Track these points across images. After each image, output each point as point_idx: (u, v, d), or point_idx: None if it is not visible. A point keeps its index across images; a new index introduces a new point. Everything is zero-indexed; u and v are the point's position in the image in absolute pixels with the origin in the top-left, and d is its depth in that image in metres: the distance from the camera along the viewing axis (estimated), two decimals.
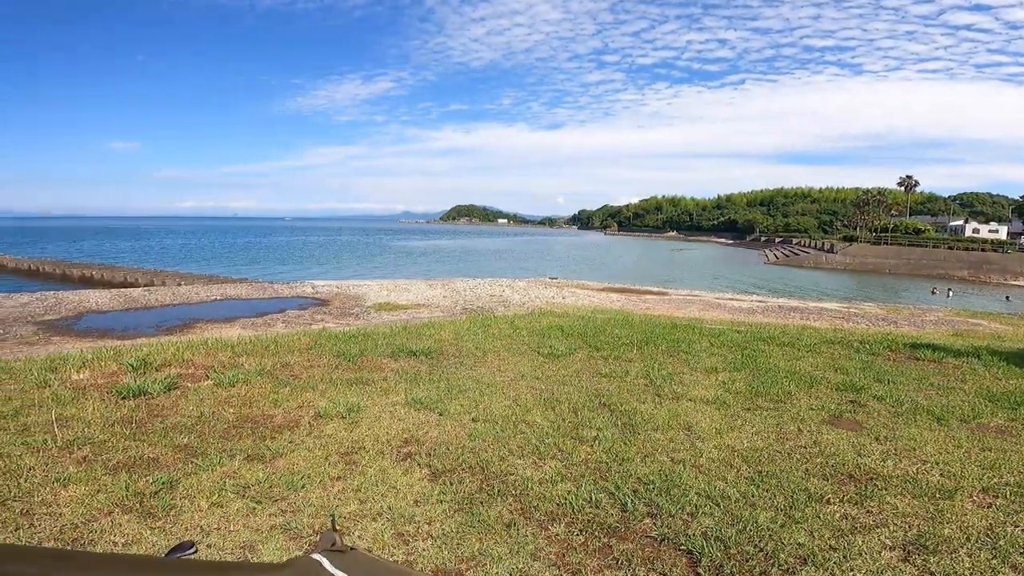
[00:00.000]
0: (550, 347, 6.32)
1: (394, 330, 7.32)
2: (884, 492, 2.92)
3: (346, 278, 16.65)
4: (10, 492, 2.60)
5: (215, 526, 2.40)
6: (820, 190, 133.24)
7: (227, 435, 3.43)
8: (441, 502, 2.76)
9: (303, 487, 2.79)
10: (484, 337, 6.92)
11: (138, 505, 2.52)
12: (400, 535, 2.45)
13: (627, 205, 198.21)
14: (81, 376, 4.53)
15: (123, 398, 4.00)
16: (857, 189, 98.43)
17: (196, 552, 0.91)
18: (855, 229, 68.41)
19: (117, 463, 2.93)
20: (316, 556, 1.50)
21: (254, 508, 2.54)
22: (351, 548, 1.76)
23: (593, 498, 2.80)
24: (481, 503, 2.76)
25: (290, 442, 3.36)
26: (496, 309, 10.12)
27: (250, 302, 10.51)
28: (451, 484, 2.95)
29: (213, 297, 10.75)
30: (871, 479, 3.08)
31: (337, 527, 1.92)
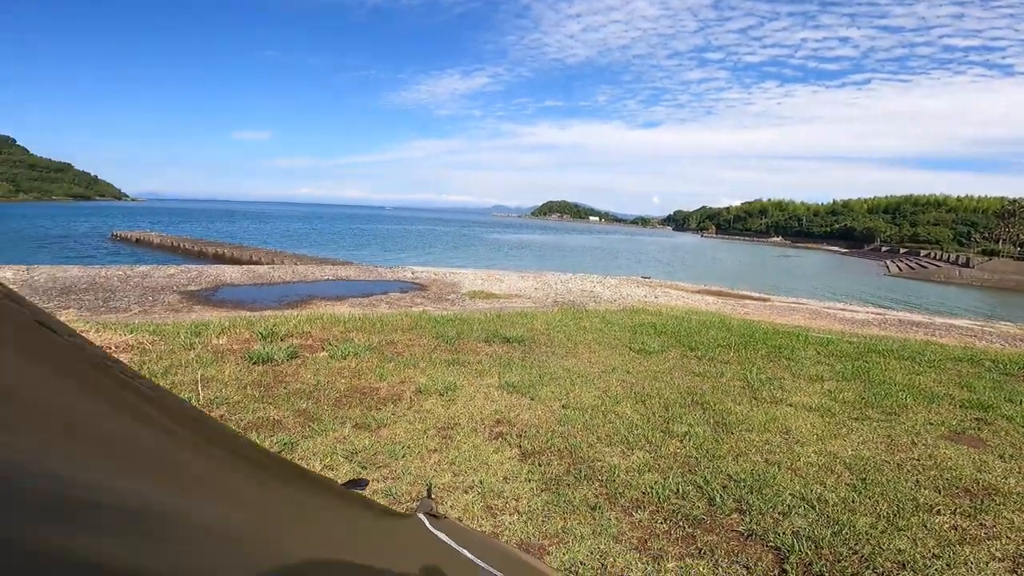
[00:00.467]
0: (642, 343, 6.22)
1: (488, 317, 7.55)
2: (1001, 507, 2.67)
3: (442, 266, 17.32)
4: None
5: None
6: (957, 199, 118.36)
7: (339, 403, 3.74)
8: (529, 481, 2.84)
9: (403, 456, 2.98)
10: (575, 329, 6.95)
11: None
12: (489, 508, 2.56)
13: (727, 207, 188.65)
14: (220, 341, 5.12)
15: (253, 363, 4.48)
16: (1002, 199, 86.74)
17: (365, 488, 1.06)
18: (997, 243, 60.38)
19: (248, 423, 3.29)
20: (420, 515, 1.65)
21: (360, 473, 2.75)
22: (444, 516, 1.90)
23: (680, 490, 2.79)
24: (567, 485, 2.82)
25: (393, 414, 3.59)
26: (587, 304, 10.09)
27: (357, 283, 11.25)
28: (539, 465, 3.03)
29: (326, 277, 11.62)
30: (989, 494, 2.82)
31: (432, 496, 2.06)
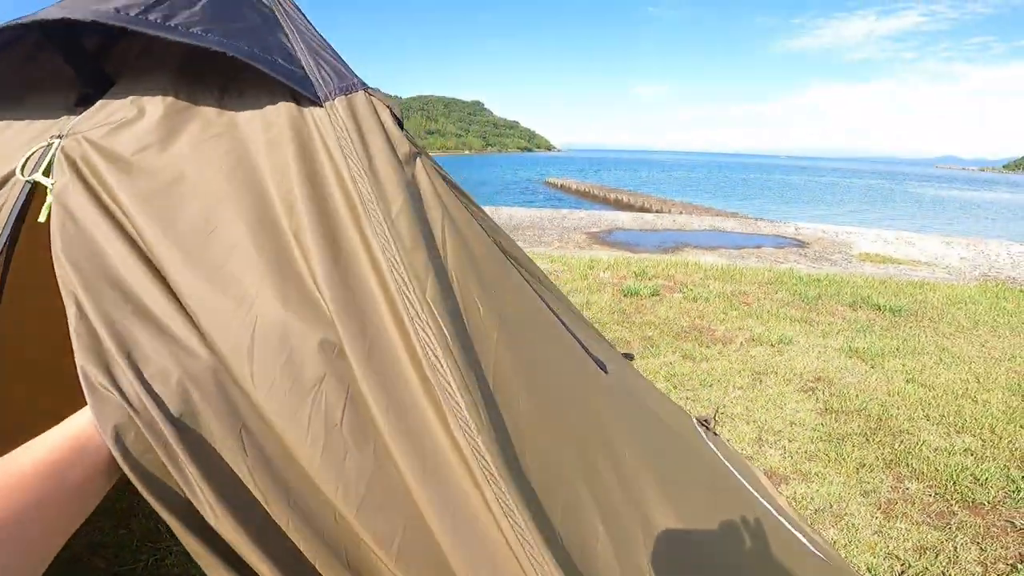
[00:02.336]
0: None
1: (869, 282, 7.00)
2: None
3: (838, 223, 15.51)
4: None
5: None
6: None
7: (678, 336, 4.66)
8: (814, 430, 3.20)
9: (711, 386, 3.71)
10: (987, 310, 5.84)
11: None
12: (759, 440, 3.07)
13: None
14: (605, 275, 6.68)
15: (624, 295, 5.80)
16: None
17: (634, 359, 1.99)
18: None
19: (609, 338, 4.54)
20: (694, 418, 2.54)
21: (670, 390, 3.62)
22: (715, 433, 2.71)
23: (985, 477, 2.71)
24: (852, 442, 3.06)
25: (719, 353, 4.30)
26: None
27: (732, 235, 11.61)
28: (835, 421, 3.31)
29: (703, 227, 12.36)
30: None
31: (716, 418, 2.77)
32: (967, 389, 3.79)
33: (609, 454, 1.13)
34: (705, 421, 2.57)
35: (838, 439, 3.11)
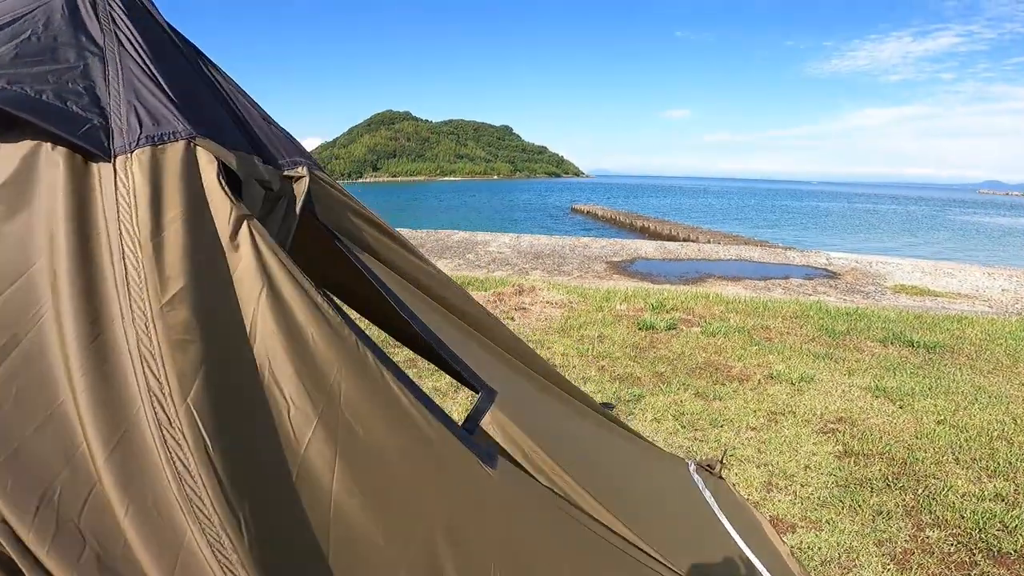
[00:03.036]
0: None
1: (902, 316, 6.79)
2: None
3: (873, 253, 15.13)
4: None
5: (645, 432, 3.48)
6: None
7: (691, 373, 4.58)
8: (830, 474, 3.09)
9: (721, 426, 3.63)
10: None
11: (613, 405, 3.88)
12: (768, 484, 2.98)
13: None
14: (621, 307, 6.64)
15: (639, 328, 5.75)
16: None
17: (614, 409, 1.95)
18: None
19: (617, 375, 4.51)
20: (689, 461, 2.45)
21: (678, 429, 3.56)
22: (721, 478, 2.61)
23: (1015, 525, 2.55)
24: (871, 488, 2.95)
25: (734, 391, 4.21)
26: None
27: (759, 265, 11.43)
28: (855, 464, 3.20)
29: (728, 257, 12.21)
30: None
31: (723, 461, 2.69)
32: (1003, 431, 3.63)
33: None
34: (709, 465, 2.50)
35: (856, 484, 3.00)
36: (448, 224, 26.10)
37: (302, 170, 1.24)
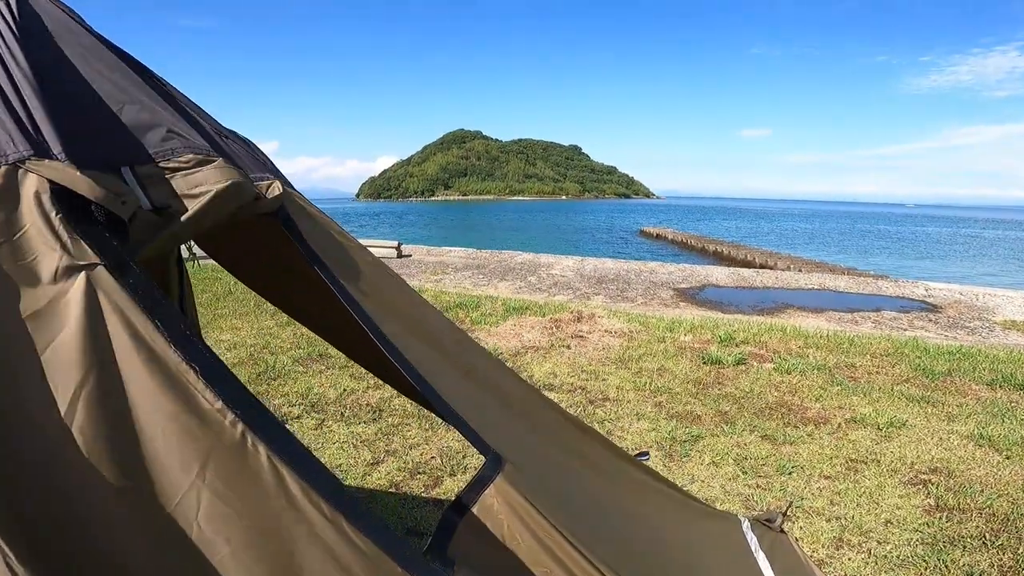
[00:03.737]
0: None
1: (1014, 355, 6.10)
2: None
3: (980, 284, 13.79)
4: (608, 415, 4.36)
5: (701, 477, 3.30)
6: None
7: (759, 414, 4.28)
8: (916, 530, 2.77)
9: (790, 473, 3.34)
10: None
11: (667, 446, 3.68)
12: (839, 541, 2.69)
13: None
14: (685, 338, 6.35)
15: (704, 362, 5.46)
16: None
17: (648, 459, 1.79)
18: None
19: (675, 412, 4.27)
20: (742, 516, 2.23)
21: (738, 475, 3.30)
22: (783, 532, 2.36)
23: None
24: (962, 548, 2.61)
25: (808, 435, 3.88)
26: None
27: (845, 295, 10.69)
28: (947, 519, 2.86)
29: (810, 286, 11.50)
30: None
31: (788, 513, 2.45)
32: None
33: None
34: (769, 519, 2.28)
35: (946, 542, 2.68)
36: (514, 245, 26.32)
37: (274, 181, 1.19)
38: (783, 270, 16.89)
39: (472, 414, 1.23)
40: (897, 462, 3.52)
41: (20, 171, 0.89)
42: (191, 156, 1.08)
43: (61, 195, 0.89)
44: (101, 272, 0.85)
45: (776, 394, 4.68)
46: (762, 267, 19.15)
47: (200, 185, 1.07)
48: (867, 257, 32.94)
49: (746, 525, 2.08)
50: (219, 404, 0.84)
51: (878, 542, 2.70)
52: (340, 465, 3.34)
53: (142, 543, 0.77)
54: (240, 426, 0.84)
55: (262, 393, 4.40)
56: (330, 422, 3.93)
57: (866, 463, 3.50)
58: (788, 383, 4.95)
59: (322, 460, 3.43)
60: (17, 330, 0.79)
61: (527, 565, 1.09)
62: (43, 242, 0.84)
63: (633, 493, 1.70)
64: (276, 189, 1.19)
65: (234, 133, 1.38)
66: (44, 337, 0.80)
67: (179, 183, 1.06)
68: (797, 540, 2.48)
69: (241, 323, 6.47)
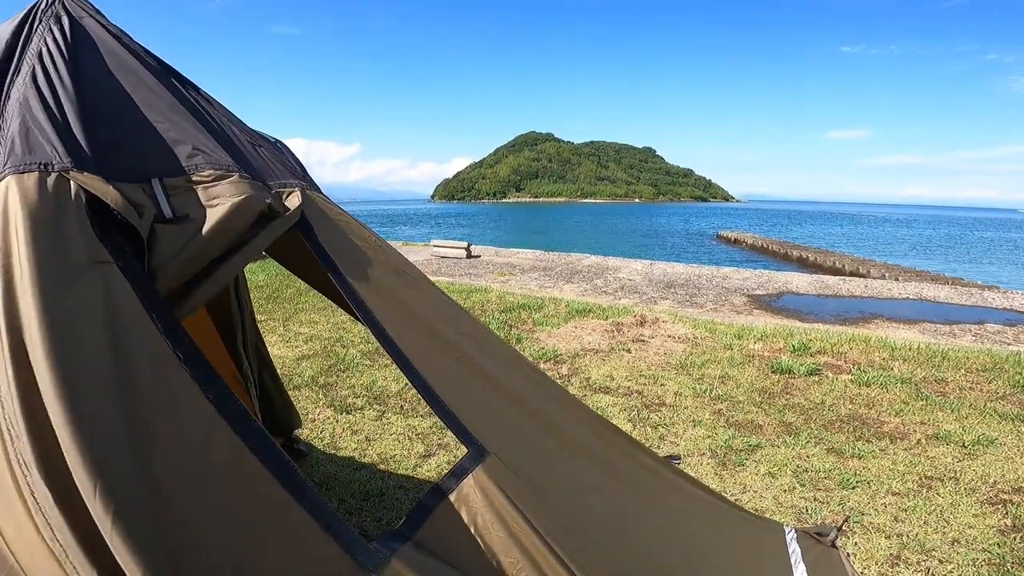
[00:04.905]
0: None
1: None
2: None
3: None
4: (662, 421, 4.33)
5: (753, 487, 3.22)
6: None
7: (829, 426, 4.12)
8: (985, 550, 2.62)
9: (854, 487, 3.22)
10: None
11: (721, 454, 3.62)
12: (896, 558, 2.58)
13: None
14: (755, 346, 6.17)
15: (773, 371, 5.30)
16: None
17: (679, 463, 1.79)
18: None
19: (735, 421, 4.19)
20: (788, 528, 2.21)
21: (795, 487, 3.21)
22: (834, 547, 2.32)
23: None
24: None
25: (882, 450, 3.71)
26: None
27: (944, 306, 9.95)
28: (1023, 542, 2.68)
29: (904, 295, 10.78)
30: None
31: (844, 528, 2.37)
32: None
33: None
34: (820, 533, 2.25)
35: (1015, 563, 2.53)
36: (582, 247, 26.20)
37: (295, 190, 1.34)
38: (876, 278, 15.88)
39: (466, 408, 1.33)
40: (977, 480, 3.32)
41: (65, 179, 1.10)
42: (211, 171, 1.28)
43: (92, 202, 1.12)
44: (114, 269, 1.06)
45: (850, 407, 4.49)
46: (852, 275, 18.06)
47: (217, 197, 1.26)
48: (973, 266, 30.18)
49: (791, 536, 2.06)
50: (195, 388, 1.07)
51: (940, 561, 2.58)
52: (394, 456, 3.53)
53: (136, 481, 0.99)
54: (211, 408, 1.08)
55: (330, 384, 4.73)
56: (390, 414, 4.17)
57: (942, 480, 3.32)
58: (865, 396, 4.72)
59: (377, 451, 3.65)
60: (56, 304, 1.02)
61: (496, 555, 1.17)
62: (76, 239, 1.06)
63: (653, 495, 1.73)
64: (295, 199, 1.36)
65: (267, 139, 1.56)
66: (76, 313, 1.03)
67: (200, 195, 1.27)
68: (849, 556, 2.42)
69: (318, 317, 6.92)
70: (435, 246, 15.50)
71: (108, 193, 1.10)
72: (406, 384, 4.71)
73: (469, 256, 14.80)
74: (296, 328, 6.42)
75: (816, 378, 5.16)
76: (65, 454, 0.91)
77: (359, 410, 4.24)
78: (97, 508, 0.88)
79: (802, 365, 5.40)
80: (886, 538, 2.75)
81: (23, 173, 1.06)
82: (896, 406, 4.50)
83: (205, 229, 1.21)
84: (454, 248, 14.97)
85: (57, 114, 1.17)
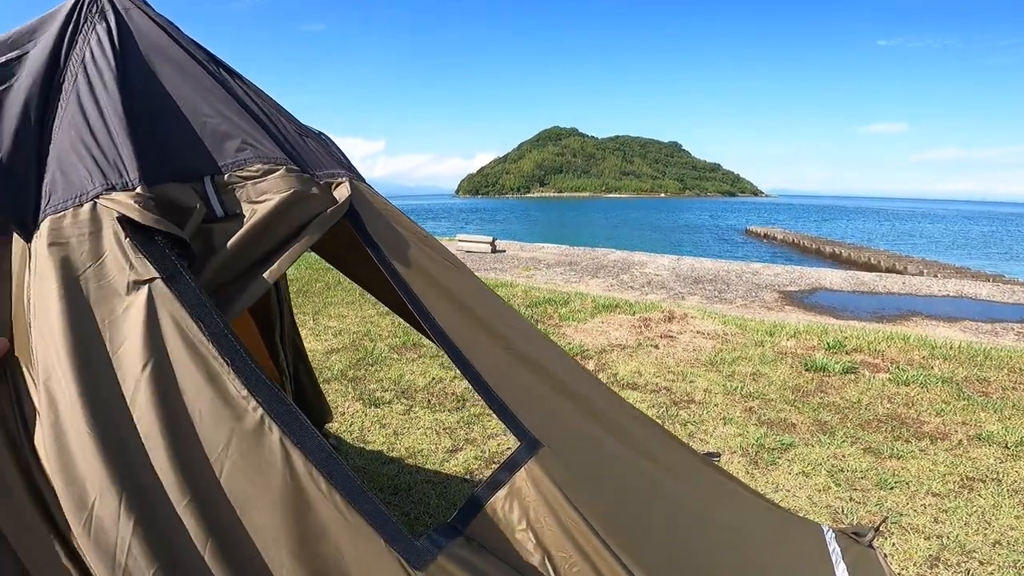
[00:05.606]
0: None
1: None
2: None
3: None
4: (691, 418, 4.30)
5: (787, 486, 3.17)
6: None
7: (865, 425, 4.04)
8: None
9: (892, 488, 3.15)
10: None
11: (753, 452, 3.56)
12: (935, 560, 2.53)
13: None
14: (787, 344, 6.07)
15: (806, 369, 5.21)
16: None
17: (719, 459, 1.77)
18: None
19: (767, 419, 4.13)
20: (825, 527, 2.19)
21: (829, 487, 3.15)
22: (871, 547, 2.29)
23: None
24: None
25: (921, 451, 3.62)
26: None
27: (986, 304, 9.66)
28: None
29: (944, 293, 10.49)
30: None
31: (881, 529, 2.33)
32: None
33: None
34: (857, 532, 2.22)
35: None
36: (607, 242, 26.03)
37: (343, 180, 1.35)
38: (913, 275, 15.46)
39: (517, 399, 1.33)
40: (1021, 482, 3.22)
41: (99, 206, 1.11)
42: (260, 166, 1.28)
43: (130, 220, 1.12)
44: (159, 284, 1.07)
45: (888, 406, 4.39)
46: (888, 271, 17.62)
47: (265, 193, 1.26)
48: (1014, 263, 29.14)
49: (829, 535, 2.05)
50: (244, 392, 1.06)
51: (980, 562, 2.51)
52: (422, 450, 3.56)
53: (182, 496, 1.00)
54: (260, 411, 1.06)
55: (359, 378, 4.80)
56: (417, 408, 4.22)
57: (984, 482, 3.23)
58: (904, 395, 4.62)
59: (405, 445, 3.69)
60: (100, 333, 1.05)
61: (548, 549, 1.17)
62: (116, 264, 1.07)
63: (701, 491, 1.73)
64: (344, 190, 1.36)
65: (312, 131, 1.59)
66: (117, 339, 1.04)
67: (249, 191, 1.26)
68: (886, 556, 2.38)
69: (347, 311, 7.03)
70: (461, 240, 15.59)
71: (132, 210, 1.10)
72: (433, 378, 4.76)
73: (494, 251, 14.85)
74: (325, 322, 6.53)
75: (852, 376, 5.06)
76: (89, 467, 0.95)
77: (387, 404, 4.30)
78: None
79: (837, 363, 5.30)
80: (925, 539, 2.69)
81: (58, 213, 1.09)
82: (937, 406, 4.40)
83: (253, 225, 1.22)
84: (479, 243, 15.03)
85: (101, 134, 1.17)
